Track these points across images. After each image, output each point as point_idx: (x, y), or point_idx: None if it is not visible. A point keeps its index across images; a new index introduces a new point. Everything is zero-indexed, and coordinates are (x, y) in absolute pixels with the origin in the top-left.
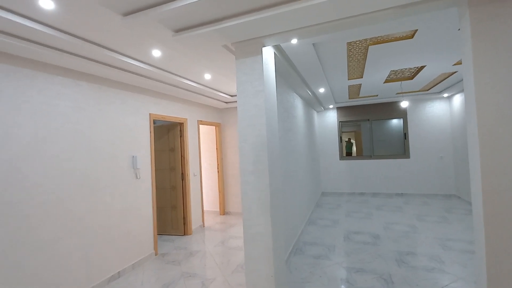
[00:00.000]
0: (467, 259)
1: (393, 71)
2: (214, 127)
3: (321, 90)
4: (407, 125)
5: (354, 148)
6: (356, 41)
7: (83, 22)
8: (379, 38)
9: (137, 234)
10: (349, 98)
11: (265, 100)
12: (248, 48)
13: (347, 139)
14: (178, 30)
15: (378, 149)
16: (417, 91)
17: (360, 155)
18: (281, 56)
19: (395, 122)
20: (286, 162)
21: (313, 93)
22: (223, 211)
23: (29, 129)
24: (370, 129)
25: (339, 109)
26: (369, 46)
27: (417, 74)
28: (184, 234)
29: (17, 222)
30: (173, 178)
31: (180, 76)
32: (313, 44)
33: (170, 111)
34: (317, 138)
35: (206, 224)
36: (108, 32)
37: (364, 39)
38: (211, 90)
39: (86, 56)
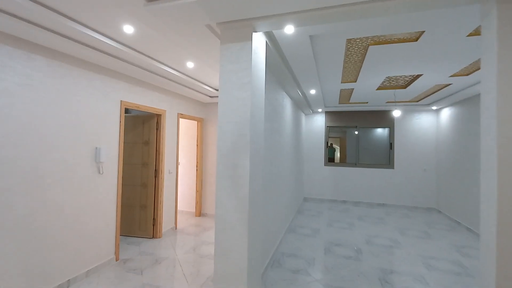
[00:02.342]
0: (452, 282)
1: (388, 77)
2: (196, 122)
3: (312, 91)
4: (393, 135)
5: (337, 155)
6: (357, 39)
7: None
8: (381, 38)
9: (94, 236)
10: (339, 103)
11: (251, 94)
12: (236, 32)
13: (329, 144)
14: None
15: (363, 157)
16: (407, 102)
17: (343, 162)
18: (274, 47)
19: (380, 132)
20: (270, 165)
21: (303, 94)
22: (199, 213)
23: None
24: (357, 136)
25: (327, 113)
26: (370, 46)
27: (412, 83)
28: (153, 237)
29: None
30: (145, 174)
31: (158, 61)
32: (310, 36)
33: (146, 101)
34: (303, 142)
35: (179, 226)
36: None
37: (366, 37)
38: (194, 81)
39: (39, 23)
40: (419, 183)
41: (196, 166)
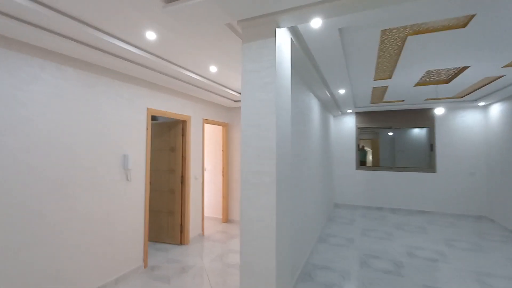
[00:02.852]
0: None
1: (428, 72)
2: (221, 127)
3: (342, 91)
4: (434, 135)
5: (369, 157)
6: (393, 29)
7: None
8: (422, 26)
9: (123, 242)
10: (370, 103)
11: (275, 95)
12: (258, 29)
13: (360, 147)
14: (170, 0)
15: (399, 160)
16: (450, 98)
17: (376, 165)
18: (299, 44)
19: (418, 132)
20: (298, 171)
21: (332, 94)
22: (226, 219)
23: None
24: (392, 138)
25: (358, 114)
26: (408, 37)
27: (456, 76)
28: (180, 244)
29: None
30: (172, 181)
31: (181, 67)
32: (340, 30)
33: (171, 107)
34: (333, 145)
35: (206, 232)
36: (90, 4)
37: (404, 27)
38: (217, 86)
39: (67, 34)
40: (466, 188)
41: (222, 172)
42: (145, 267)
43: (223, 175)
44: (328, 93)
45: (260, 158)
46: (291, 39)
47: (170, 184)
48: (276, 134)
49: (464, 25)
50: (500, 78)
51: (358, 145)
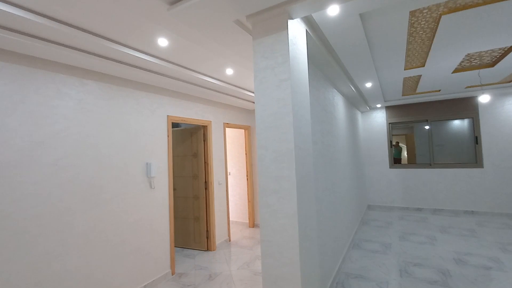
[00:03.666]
0: None
1: (468, 55)
2: (243, 130)
3: (368, 84)
4: (479, 127)
5: (404, 154)
6: (424, 9)
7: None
8: (458, 2)
9: (150, 250)
10: (402, 95)
11: (291, 93)
12: (268, 23)
13: (394, 143)
14: (173, 1)
15: (437, 156)
16: (495, 84)
17: (412, 162)
18: (316, 36)
19: (458, 124)
20: (324, 172)
21: (357, 88)
22: (253, 223)
23: (22, 132)
24: (429, 131)
25: (388, 108)
26: (442, 16)
27: (503, 58)
28: (207, 250)
29: (8, 236)
30: (196, 186)
31: (198, 72)
32: (361, 16)
33: (191, 113)
34: (362, 142)
35: (232, 238)
36: (99, 15)
37: (436, 5)
38: (235, 89)
39: (86, 49)
40: None
41: (246, 176)
42: (172, 273)
43: (247, 179)
44: (353, 88)
45: (278, 163)
46: (306, 31)
47: (194, 190)
48: (294, 135)
49: None
50: None
51: (390, 142)
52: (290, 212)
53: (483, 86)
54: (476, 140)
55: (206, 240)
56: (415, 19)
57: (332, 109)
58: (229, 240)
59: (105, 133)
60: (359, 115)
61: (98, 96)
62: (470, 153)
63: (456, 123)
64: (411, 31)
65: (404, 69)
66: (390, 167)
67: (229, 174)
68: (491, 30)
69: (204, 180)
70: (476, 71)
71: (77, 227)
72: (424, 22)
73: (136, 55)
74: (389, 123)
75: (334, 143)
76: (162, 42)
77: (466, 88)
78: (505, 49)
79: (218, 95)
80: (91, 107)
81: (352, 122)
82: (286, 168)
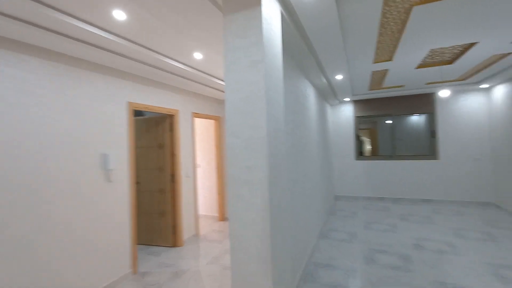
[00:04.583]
0: None
1: (432, 51)
2: (213, 121)
3: (339, 77)
4: (436, 121)
5: (367, 147)
6: None
7: None
8: None
9: (109, 249)
10: (369, 90)
11: (265, 76)
12: None
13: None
14: None
15: (399, 148)
16: (452, 81)
17: (376, 155)
18: (291, 19)
19: (416, 119)
20: (296, 164)
21: (328, 81)
22: (222, 217)
23: None
24: (391, 126)
25: (356, 102)
26: (414, 7)
27: (462, 55)
28: (174, 246)
29: None
30: (162, 180)
31: (161, 54)
32: (336, 0)
33: (157, 101)
34: (330, 135)
35: (201, 232)
36: None
37: None
38: (205, 76)
39: (23, 17)
40: (471, 175)
41: (216, 168)
42: (134, 273)
43: (217, 172)
44: (324, 79)
45: (249, 152)
46: (281, 12)
47: (159, 184)
48: (267, 121)
49: None
50: (507, 57)
51: (356, 135)
52: (262, 204)
53: (442, 83)
54: (433, 133)
55: (172, 235)
56: (388, 9)
57: (304, 101)
58: (198, 235)
59: (51, 118)
60: (328, 108)
61: (42, 76)
62: (428, 146)
63: (416, 117)
64: (383, 21)
65: (373, 62)
66: (356, 159)
67: (198, 167)
68: (455, 26)
69: (170, 173)
70: (437, 67)
71: (12, 229)
72: (396, 13)
73: (87, 28)
74: (356, 117)
75: (306, 135)
76: (119, 15)
77: (426, 84)
78: (465, 46)
79: (186, 82)
80: (34, 88)
81: (322, 115)
82: (258, 158)
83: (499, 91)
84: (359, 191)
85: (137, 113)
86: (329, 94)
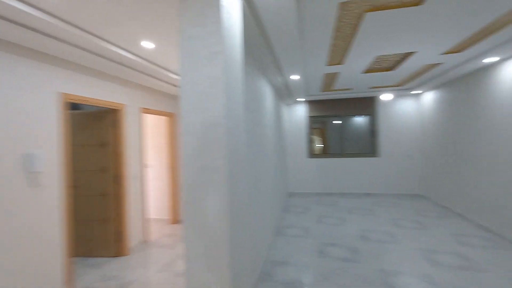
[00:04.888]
0: (462, 280)
1: (377, 57)
2: (165, 117)
3: (295, 77)
4: (377, 122)
5: (319, 146)
6: (352, 3)
7: None
8: (379, 1)
9: (35, 266)
10: (321, 91)
11: (225, 69)
12: None
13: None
14: None
15: (346, 147)
16: (391, 86)
17: (326, 153)
18: (251, 14)
19: (361, 119)
20: (253, 162)
21: (285, 80)
22: (175, 219)
23: None
24: (339, 126)
25: (309, 103)
26: (366, 13)
27: (401, 64)
28: (118, 255)
29: None
30: (104, 182)
31: (102, 39)
32: None
33: (98, 93)
34: (285, 134)
35: (151, 237)
36: None
37: (364, 0)
38: (157, 68)
39: None
40: (404, 170)
41: (169, 168)
42: None
43: (170, 172)
44: (281, 79)
45: (206, 151)
46: (242, 4)
47: (101, 186)
48: (226, 119)
49: (419, 2)
50: (435, 67)
51: (309, 134)
52: (220, 208)
53: (383, 88)
54: (374, 133)
55: (116, 244)
56: (343, 12)
57: (262, 99)
58: (147, 241)
59: None
60: (284, 108)
61: None
62: (370, 144)
63: (361, 119)
64: (338, 25)
65: (327, 65)
66: (308, 157)
67: (148, 167)
68: (400, 33)
69: (114, 174)
70: (381, 73)
71: None
72: (349, 17)
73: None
74: (309, 117)
75: (263, 133)
76: None
77: (369, 88)
78: (404, 55)
79: (134, 74)
80: None
81: (278, 114)
82: (217, 157)
83: (428, 97)
84: (311, 188)
85: (73, 106)
86: (285, 93)
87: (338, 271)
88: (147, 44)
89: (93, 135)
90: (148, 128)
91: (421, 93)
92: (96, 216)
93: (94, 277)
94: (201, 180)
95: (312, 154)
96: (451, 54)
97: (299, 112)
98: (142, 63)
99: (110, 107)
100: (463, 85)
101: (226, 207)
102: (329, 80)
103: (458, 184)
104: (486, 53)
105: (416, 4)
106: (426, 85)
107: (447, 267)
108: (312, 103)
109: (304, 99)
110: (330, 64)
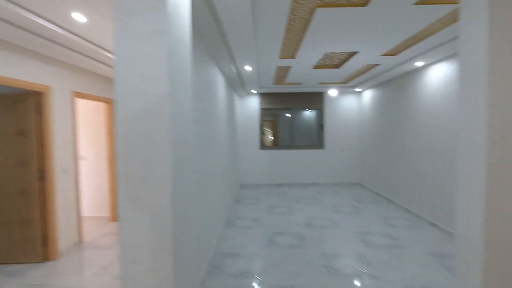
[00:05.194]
0: (388, 257)
1: (326, 54)
2: (103, 104)
3: (248, 68)
4: (324, 116)
5: (270, 138)
6: None
7: None
8: None
9: None
10: (274, 84)
11: (169, 51)
12: None
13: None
14: None
15: (295, 139)
16: (337, 83)
17: (277, 145)
18: None
19: (310, 113)
20: (203, 154)
21: (238, 71)
22: (116, 217)
23: None
24: (290, 119)
25: (262, 95)
26: (317, 9)
27: (346, 62)
28: (45, 260)
29: None
30: (24, 178)
31: (22, 7)
32: None
33: (14, 72)
34: (238, 125)
35: (87, 238)
36: None
37: None
38: (90, 46)
39: None
40: (346, 161)
41: (108, 161)
42: None
43: (109, 165)
44: (234, 69)
45: (148, 141)
46: None
47: (21, 183)
48: (171, 107)
49: (366, 3)
50: (374, 68)
51: (261, 126)
52: (162, 205)
53: (330, 84)
54: (321, 127)
55: (42, 247)
56: (296, 5)
57: (213, 88)
58: (82, 242)
59: None
60: (236, 99)
61: None
62: (317, 137)
63: (309, 113)
64: (291, 17)
65: (279, 58)
66: (260, 149)
67: (83, 159)
68: (347, 32)
69: (38, 169)
70: (329, 70)
71: None
72: (302, 11)
73: None
74: (261, 109)
75: (215, 124)
76: None
77: (318, 84)
78: (350, 54)
79: (63, 51)
80: None
81: (231, 105)
82: (159, 149)
83: (367, 95)
84: (263, 179)
85: None
86: (238, 84)
87: (286, 259)
88: (79, 17)
89: (9, 122)
90: (83, 115)
91: (362, 91)
92: (15, 218)
93: (14, 286)
94: (141, 175)
95: (264, 146)
96: (388, 56)
97: (252, 104)
98: (73, 38)
99: (31, 89)
100: (397, 85)
101: (170, 203)
102: (282, 74)
103: (388, 173)
104: (416, 58)
105: (363, 5)
106: (366, 83)
107: (377, 246)
108: (265, 96)
109: (257, 91)
110: (283, 57)
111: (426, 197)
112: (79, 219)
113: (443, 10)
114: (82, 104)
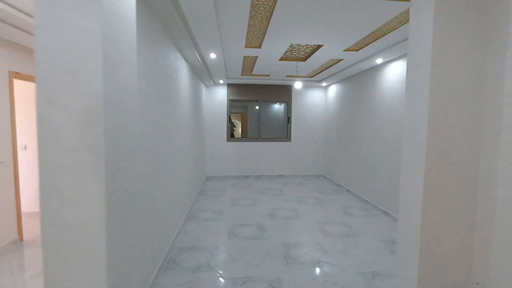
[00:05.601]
0: (344, 244)
1: (291, 46)
2: None
3: (213, 55)
4: (291, 109)
5: (239, 130)
6: None
7: None
8: None
9: None
10: (241, 75)
11: (103, 21)
12: None
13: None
14: None
15: (263, 132)
16: (304, 77)
17: (245, 137)
18: None
19: (278, 106)
20: (161, 144)
21: (203, 58)
22: None
23: None
24: (258, 111)
25: (230, 86)
26: None
27: (311, 55)
28: None
29: None
30: None
31: None
32: None
33: None
34: (204, 116)
35: (27, 236)
36: None
37: None
38: (29, 20)
39: None
40: (311, 154)
41: None
42: None
43: None
44: (198, 56)
45: (77, 126)
46: None
47: None
48: (105, 86)
49: None
50: (339, 62)
51: (229, 117)
52: (94, 198)
53: (297, 77)
54: (288, 120)
55: None
56: None
57: (174, 75)
58: (21, 240)
59: None
60: (203, 88)
61: None
62: (284, 130)
63: (277, 105)
64: (254, 4)
65: (245, 47)
66: (227, 141)
67: (24, 149)
68: (311, 24)
69: None
70: (295, 62)
71: None
72: None
73: None
74: (229, 100)
75: (174, 112)
76: None
77: (286, 76)
78: (314, 47)
79: None
80: None
81: (196, 94)
82: (92, 135)
83: (332, 90)
84: (229, 171)
85: None
86: (204, 73)
87: (246, 250)
88: None
89: None
90: (26, 100)
91: (327, 86)
92: None
93: None
94: (69, 164)
95: (231, 138)
96: (351, 51)
97: (220, 94)
98: (4, 9)
99: None
100: (359, 81)
101: (103, 196)
102: (249, 64)
103: (347, 165)
104: (375, 55)
105: None
106: (331, 78)
107: (335, 235)
108: (233, 87)
109: (224, 82)
110: (249, 46)
111: (380, 187)
112: (18, 216)
113: (401, 6)
114: (24, 87)
